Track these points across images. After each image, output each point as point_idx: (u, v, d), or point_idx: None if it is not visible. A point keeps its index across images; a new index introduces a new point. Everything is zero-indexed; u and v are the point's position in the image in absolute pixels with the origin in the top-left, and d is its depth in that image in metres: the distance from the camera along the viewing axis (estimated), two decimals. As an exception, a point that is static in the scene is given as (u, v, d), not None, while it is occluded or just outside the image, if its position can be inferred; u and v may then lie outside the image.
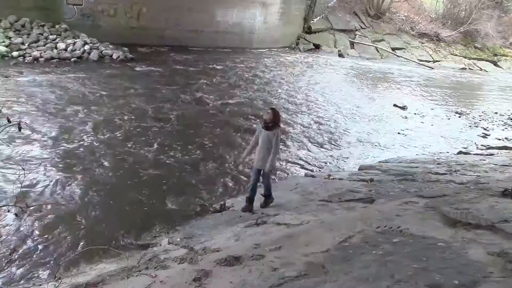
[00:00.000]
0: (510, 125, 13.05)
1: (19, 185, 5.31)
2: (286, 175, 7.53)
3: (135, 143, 7.80)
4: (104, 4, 15.66)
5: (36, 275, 4.14)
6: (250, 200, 5.37)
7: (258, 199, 5.52)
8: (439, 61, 25.39)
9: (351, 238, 3.03)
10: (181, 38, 17.73)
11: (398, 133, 10.76)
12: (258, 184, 5.43)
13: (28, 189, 5.59)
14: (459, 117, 13.37)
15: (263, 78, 15.04)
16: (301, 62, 19.12)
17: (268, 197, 5.53)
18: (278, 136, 5.16)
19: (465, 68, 25.17)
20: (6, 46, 12.49)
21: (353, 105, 12.96)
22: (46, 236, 4.78)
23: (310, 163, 8.14)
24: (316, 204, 5.25)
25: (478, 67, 25.97)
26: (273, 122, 5.14)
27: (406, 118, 12.36)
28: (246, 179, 7.04)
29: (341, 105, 12.75)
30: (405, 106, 13.47)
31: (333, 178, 6.77)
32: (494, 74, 24.76)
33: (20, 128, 2.99)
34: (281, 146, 8.64)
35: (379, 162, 8.34)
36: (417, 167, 7.31)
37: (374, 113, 12.30)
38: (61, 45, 13.42)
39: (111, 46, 14.76)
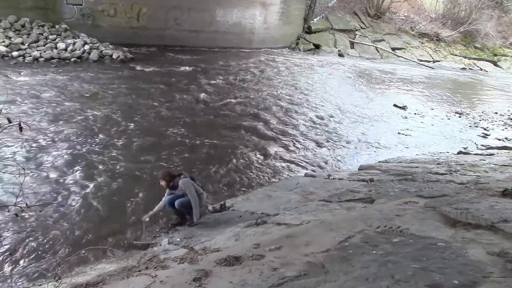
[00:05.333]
0: (510, 125, 13.04)
1: (19, 185, 5.34)
2: (286, 175, 7.52)
3: (134, 143, 7.80)
4: (104, 4, 15.67)
5: (36, 275, 4.14)
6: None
7: (259, 200, 5.52)
8: (439, 61, 25.39)
9: (351, 238, 3.03)
10: (181, 38, 17.75)
11: (398, 133, 10.76)
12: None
13: (28, 189, 5.60)
14: (459, 117, 13.37)
15: (263, 78, 15.04)
16: (301, 62, 19.12)
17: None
18: (186, 187, 4.93)
19: (465, 68, 25.17)
20: (6, 46, 12.49)
21: (353, 105, 12.95)
22: (46, 236, 4.79)
23: (310, 163, 8.14)
24: (316, 204, 5.24)
25: (478, 67, 25.97)
26: (170, 184, 5.02)
27: (406, 118, 12.36)
28: (247, 179, 7.06)
29: (341, 105, 12.75)
30: (405, 106, 13.48)
31: (333, 178, 6.76)
32: (494, 74, 24.75)
33: (21, 128, 2.98)
34: (281, 148, 8.70)
35: (379, 162, 8.33)
36: (417, 167, 7.30)
37: (374, 113, 12.30)
38: (61, 45, 13.43)
39: (111, 46, 14.77)
